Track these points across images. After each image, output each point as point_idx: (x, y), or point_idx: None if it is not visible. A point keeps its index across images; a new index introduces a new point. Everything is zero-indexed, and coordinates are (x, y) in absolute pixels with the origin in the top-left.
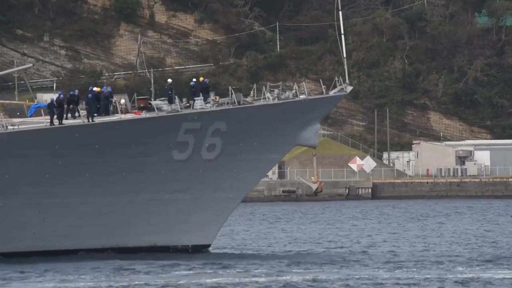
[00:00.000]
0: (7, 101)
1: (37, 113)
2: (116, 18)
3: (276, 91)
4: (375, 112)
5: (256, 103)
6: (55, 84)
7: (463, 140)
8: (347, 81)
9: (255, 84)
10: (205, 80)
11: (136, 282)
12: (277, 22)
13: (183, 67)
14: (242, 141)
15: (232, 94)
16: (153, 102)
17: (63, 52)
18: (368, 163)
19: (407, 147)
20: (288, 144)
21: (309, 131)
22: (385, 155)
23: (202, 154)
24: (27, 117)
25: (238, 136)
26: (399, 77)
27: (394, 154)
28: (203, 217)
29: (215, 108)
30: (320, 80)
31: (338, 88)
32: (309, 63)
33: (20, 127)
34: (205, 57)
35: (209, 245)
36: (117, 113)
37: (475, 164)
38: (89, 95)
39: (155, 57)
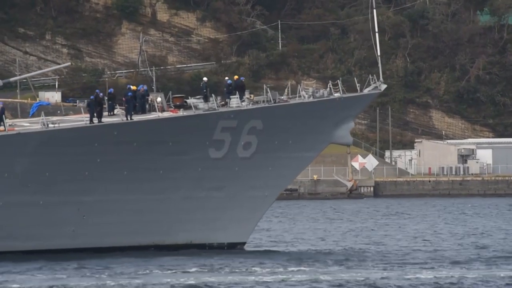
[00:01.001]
0: (10, 100)
1: (39, 111)
2: (118, 17)
3: (310, 89)
4: (377, 111)
5: (292, 101)
6: (57, 82)
7: (465, 138)
8: (381, 79)
9: (289, 82)
10: (241, 78)
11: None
12: (279, 21)
13: (185, 65)
14: (278, 139)
15: (268, 92)
16: (189, 100)
17: (65, 50)
18: (370, 162)
19: (409, 145)
20: (323, 142)
21: (343, 129)
22: (387, 153)
23: (238, 152)
24: (29, 115)
25: (274, 134)
26: (401, 76)
27: (396, 153)
28: (239, 215)
29: (251, 106)
30: (355, 79)
31: (372, 86)
32: (311, 61)
33: (60, 125)
34: (207, 55)
35: (244, 243)
36: (153, 111)
37: (477, 162)
38: (129, 94)
39: (157, 55)
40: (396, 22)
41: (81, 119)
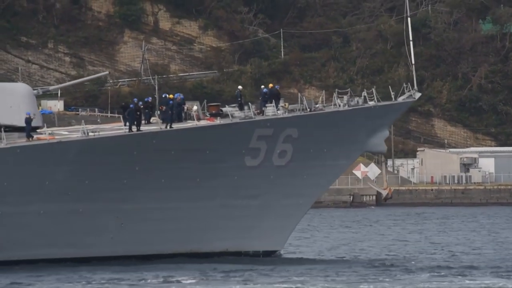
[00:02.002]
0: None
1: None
2: (121, 25)
3: (345, 97)
4: None
5: (327, 110)
6: (59, 91)
7: (467, 147)
8: (415, 87)
9: (323, 91)
10: (276, 86)
11: None
12: (281, 29)
13: (187, 74)
14: (313, 148)
15: (303, 100)
16: (225, 109)
17: (67, 59)
18: (372, 170)
19: (412, 154)
20: (357, 150)
21: (378, 137)
22: (389, 162)
23: (274, 160)
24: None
25: (309, 142)
26: (403, 84)
27: (398, 161)
28: (274, 223)
29: (287, 114)
30: (389, 87)
31: (407, 94)
32: (313, 70)
33: (100, 133)
34: (209, 64)
35: (278, 251)
36: (189, 119)
37: (479, 171)
38: (170, 102)
39: (159, 64)
40: (398, 30)
41: (120, 128)
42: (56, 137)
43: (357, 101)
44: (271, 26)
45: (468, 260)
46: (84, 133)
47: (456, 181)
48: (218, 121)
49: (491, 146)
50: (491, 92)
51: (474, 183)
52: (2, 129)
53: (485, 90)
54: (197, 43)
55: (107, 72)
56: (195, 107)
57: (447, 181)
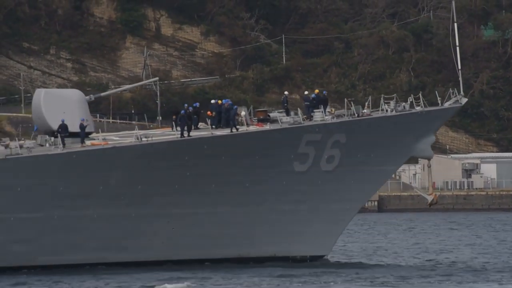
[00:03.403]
0: (14, 114)
1: None
2: (122, 31)
3: (391, 102)
4: None
5: (374, 115)
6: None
7: (469, 153)
8: (461, 92)
9: (370, 96)
10: (324, 92)
11: None
12: (283, 35)
13: (189, 79)
14: (360, 153)
15: (351, 106)
16: (272, 114)
17: (69, 65)
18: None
19: (413, 160)
20: (404, 155)
21: (424, 142)
22: None
23: (321, 165)
24: (33, 129)
25: (356, 147)
26: (405, 90)
27: (400, 167)
28: (321, 228)
29: (335, 120)
30: (436, 92)
31: (453, 99)
32: (315, 75)
33: (153, 139)
34: (211, 69)
35: (326, 255)
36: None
37: (481, 177)
38: (233, 106)
39: (161, 69)
40: (400, 36)
41: (172, 133)
42: (109, 142)
43: (404, 107)
44: (273, 32)
45: None
46: (138, 138)
47: (458, 187)
48: (267, 126)
49: (493, 152)
50: (493, 98)
51: (476, 188)
52: (59, 134)
53: (487, 96)
54: (199, 49)
55: (156, 78)
56: (243, 113)
57: (449, 187)
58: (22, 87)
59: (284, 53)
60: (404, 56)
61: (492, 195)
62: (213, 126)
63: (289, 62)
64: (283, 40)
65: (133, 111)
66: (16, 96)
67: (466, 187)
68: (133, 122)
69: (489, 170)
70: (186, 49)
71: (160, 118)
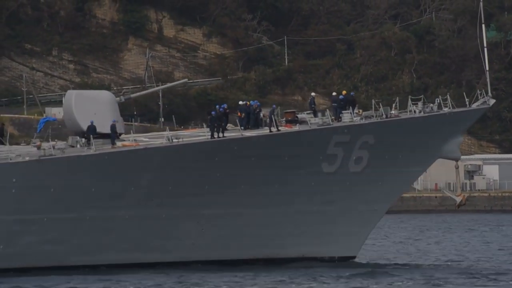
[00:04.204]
0: (16, 115)
1: (46, 127)
2: (125, 32)
3: (419, 104)
4: None
5: (402, 116)
6: (63, 98)
7: (471, 154)
8: (489, 94)
9: (397, 98)
10: (351, 93)
11: None
12: (285, 36)
13: (191, 81)
14: (388, 154)
15: (380, 107)
16: (300, 115)
17: (71, 66)
18: None
19: None
20: (432, 156)
21: (452, 143)
22: None
23: (350, 166)
24: (36, 131)
25: (384, 149)
26: (407, 91)
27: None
28: (349, 229)
29: (364, 121)
30: (464, 93)
31: (481, 101)
32: (317, 77)
33: (184, 140)
34: (213, 71)
35: (354, 257)
36: (265, 126)
37: (483, 178)
38: (273, 106)
39: (163, 71)
40: (402, 38)
41: (202, 134)
42: (140, 143)
43: (432, 108)
44: (275, 33)
45: None
46: (169, 139)
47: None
48: (297, 127)
49: (495, 153)
50: (495, 99)
51: (478, 190)
52: (91, 136)
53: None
54: (201, 50)
55: (186, 80)
56: None
57: (451, 188)
58: (24, 89)
59: (286, 55)
60: (406, 57)
61: (494, 196)
62: (242, 127)
63: (291, 64)
64: (285, 41)
65: (135, 112)
66: (19, 97)
67: (468, 188)
68: (135, 123)
69: (492, 172)
70: (188, 50)
71: (163, 119)
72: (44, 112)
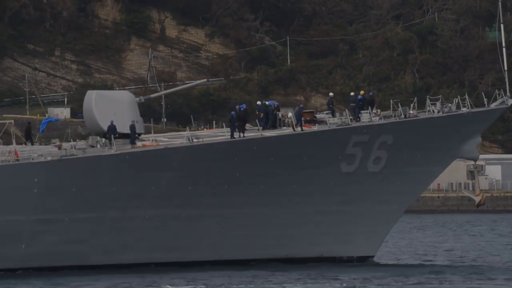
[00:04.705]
0: (19, 116)
1: (48, 127)
2: (127, 33)
3: (437, 104)
4: None
5: (421, 116)
6: (66, 98)
7: None
8: (508, 93)
9: (415, 98)
10: (370, 93)
11: None
12: (288, 37)
13: (193, 81)
14: (407, 154)
15: (398, 107)
16: (319, 115)
17: (74, 66)
18: None
19: None
20: (450, 156)
21: (470, 144)
22: None
23: (368, 166)
24: (39, 131)
25: (403, 149)
26: (410, 91)
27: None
28: (368, 229)
29: (383, 121)
30: (482, 93)
31: (499, 101)
32: (320, 77)
33: (204, 140)
34: (215, 71)
35: (372, 256)
36: (283, 126)
37: (486, 178)
38: (301, 105)
39: (165, 71)
40: (405, 38)
41: (222, 134)
42: (160, 143)
43: (450, 108)
44: (277, 33)
45: None
46: (189, 139)
47: (463, 188)
48: (315, 127)
49: (497, 153)
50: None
51: (481, 190)
52: (112, 136)
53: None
54: (203, 50)
55: (205, 80)
56: (289, 114)
57: (454, 188)
58: (27, 89)
59: (288, 55)
60: (409, 57)
61: (497, 196)
62: (261, 128)
63: (294, 64)
64: (288, 41)
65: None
66: (21, 97)
67: (471, 188)
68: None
69: (494, 172)
70: (191, 50)
71: (165, 120)
72: (47, 113)
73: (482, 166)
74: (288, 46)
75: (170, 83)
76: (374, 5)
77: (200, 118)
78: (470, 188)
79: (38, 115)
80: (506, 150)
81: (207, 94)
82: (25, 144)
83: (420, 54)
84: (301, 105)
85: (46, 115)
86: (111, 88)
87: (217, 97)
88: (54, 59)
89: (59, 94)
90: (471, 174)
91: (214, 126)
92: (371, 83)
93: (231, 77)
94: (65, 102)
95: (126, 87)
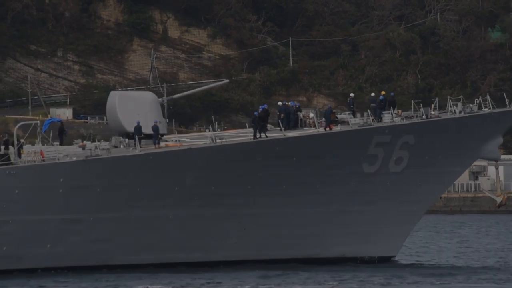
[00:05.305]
0: (21, 116)
1: (50, 128)
2: (130, 33)
3: (459, 104)
4: None
5: (443, 117)
6: (68, 99)
7: None
8: None
9: (437, 98)
10: (391, 94)
11: None
12: (290, 37)
13: (196, 82)
14: (428, 154)
15: (420, 107)
16: (340, 116)
17: (76, 67)
18: None
19: None
20: (471, 157)
21: (492, 144)
22: None
23: (390, 167)
24: (41, 132)
25: (425, 149)
26: (412, 92)
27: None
28: (389, 229)
29: (405, 121)
30: (504, 94)
31: None
32: (322, 78)
33: (227, 140)
34: (218, 72)
35: (394, 257)
36: (305, 126)
37: (488, 179)
38: (329, 106)
39: (168, 72)
40: (407, 38)
41: (244, 134)
42: (183, 144)
43: (472, 108)
44: (280, 34)
45: None
46: (212, 140)
47: (465, 189)
48: (337, 128)
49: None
50: (500, 100)
51: (483, 191)
52: (136, 136)
53: (494, 98)
54: (206, 51)
55: (227, 80)
56: (311, 114)
57: (456, 189)
58: (29, 90)
59: (291, 56)
60: (411, 58)
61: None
62: (283, 128)
63: (296, 65)
64: (290, 42)
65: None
66: (24, 98)
67: (473, 189)
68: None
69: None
70: (193, 51)
71: (167, 120)
72: (49, 113)
73: (484, 167)
74: (290, 47)
75: (173, 84)
76: (376, 6)
77: (202, 119)
78: (473, 189)
79: (41, 115)
80: (509, 151)
81: (209, 95)
82: (60, 144)
83: (422, 55)
84: (329, 106)
85: (49, 115)
86: (113, 88)
87: (219, 97)
88: (56, 59)
89: (62, 94)
90: (473, 175)
91: (216, 127)
92: (373, 83)
93: (233, 78)
94: (68, 103)
95: (129, 88)
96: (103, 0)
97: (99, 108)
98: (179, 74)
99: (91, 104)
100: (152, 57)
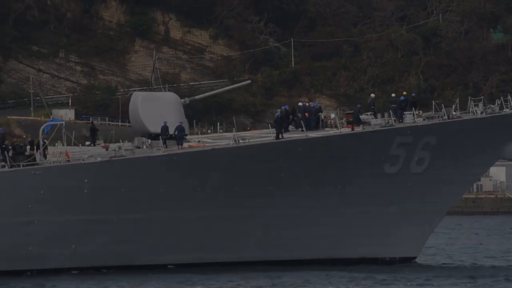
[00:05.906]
0: (23, 117)
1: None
2: (131, 34)
3: (480, 104)
4: None
5: (465, 117)
6: (70, 100)
7: None
8: None
9: (457, 99)
10: (412, 94)
11: None
12: (292, 38)
13: (198, 83)
14: (450, 155)
15: (442, 108)
16: (362, 117)
17: (78, 68)
18: None
19: None
20: (492, 158)
21: None
22: None
23: (411, 167)
24: (43, 133)
25: (446, 150)
26: (414, 93)
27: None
28: (410, 230)
29: (426, 122)
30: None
31: None
32: (324, 79)
33: (250, 141)
34: (220, 73)
35: (415, 257)
36: (326, 127)
37: (490, 180)
38: (358, 106)
39: (170, 73)
40: (409, 39)
41: (266, 135)
42: (206, 145)
43: (493, 109)
44: (281, 35)
45: None
46: (235, 140)
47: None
48: (360, 128)
49: None
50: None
51: (485, 192)
52: (161, 137)
53: (494, 99)
54: (207, 52)
55: (248, 81)
56: (332, 115)
57: None
58: (31, 91)
59: (293, 57)
60: (413, 59)
61: (501, 198)
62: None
63: (298, 66)
64: (292, 43)
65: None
66: (26, 99)
67: (475, 190)
68: None
69: (498, 174)
70: (195, 52)
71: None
72: (51, 114)
73: None
74: (292, 48)
75: (175, 85)
76: (378, 7)
77: (204, 120)
78: (475, 190)
79: (43, 116)
80: None
81: (211, 96)
82: (93, 144)
83: (424, 56)
84: (359, 106)
85: (51, 116)
86: (115, 90)
87: (221, 98)
88: (58, 60)
89: (64, 95)
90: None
91: (218, 128)
92: (375, 84)
93: (235, 79)
94: (70, 104)
95: (131, 89)
96: (105, 1)
97: (101, 109)
98: (181, 75)
99: (93, 105)
100: (154, 58)
